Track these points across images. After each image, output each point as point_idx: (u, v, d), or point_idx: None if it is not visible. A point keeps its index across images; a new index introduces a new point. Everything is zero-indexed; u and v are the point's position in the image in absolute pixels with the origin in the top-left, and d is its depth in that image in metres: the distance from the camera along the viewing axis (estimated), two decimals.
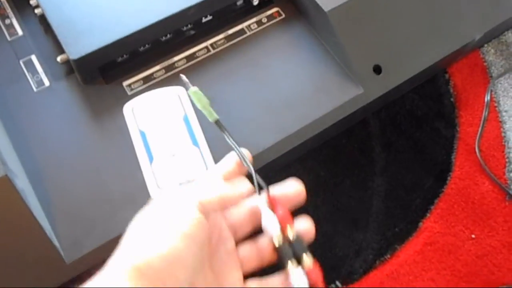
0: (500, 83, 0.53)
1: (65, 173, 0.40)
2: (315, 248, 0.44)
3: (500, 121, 0.51)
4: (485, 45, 0.55)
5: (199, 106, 0.34)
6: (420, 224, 0.46)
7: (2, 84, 0.44)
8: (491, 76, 0.53)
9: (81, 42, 0.42)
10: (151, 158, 0.39)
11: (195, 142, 0.40)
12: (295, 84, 0.46)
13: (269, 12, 0.50)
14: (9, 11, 0.48)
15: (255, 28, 0.49)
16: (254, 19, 0.49)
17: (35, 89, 0.44)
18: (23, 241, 0.36)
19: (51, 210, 0.38)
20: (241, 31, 0.49)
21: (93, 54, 0.42)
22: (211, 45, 0.48)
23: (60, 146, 0.42)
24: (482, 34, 0.51)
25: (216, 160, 0.40)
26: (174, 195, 0.27)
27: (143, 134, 0.41)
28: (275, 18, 0.50)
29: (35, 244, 0.37)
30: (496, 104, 0.52)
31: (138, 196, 0.39)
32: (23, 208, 0.36)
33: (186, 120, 0.41)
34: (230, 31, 0.48)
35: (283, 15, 0.50)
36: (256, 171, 0.33)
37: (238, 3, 0.48)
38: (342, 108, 0.45)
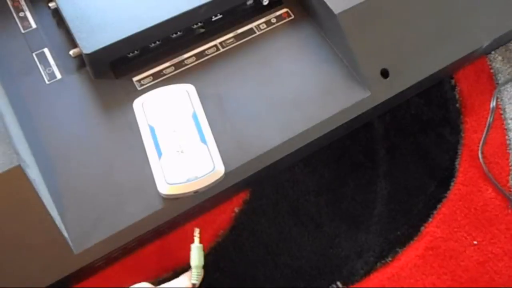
0: (507, 91, 0.53)
1: (75, 165, 0.41)
2: (317, 248, 0.44)
3: (505, 129, 0.51)
4: (492, 52, 0.55)
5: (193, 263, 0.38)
6: (422, 228, 0.46)
7: (15, 75, 0.45)
8: (498, 83, 0.53)
9: (94, 37, 0.43)
10: (159, 154, 0.40)
11: (203, 139, 0.41)
12: (302, 85, 0.46)
13: (278, 13, 0.50)
14: (23, 3, 0.49)
15: (264, 28, 0.49)
16: (263, 19, 0.50)
17: (47, 82, 0.45)
18: (33, 230, 0.37)
19: (61, 201, 0.39)
20: (250, 31, 0.49)
21: (105, 49, 0.43)
22: (221, 43, 0.48)
23: (70, 139, 0.42)
24: (490, 41, 0.51)
25: (223, 157, 0.41)
26: None
27: (152, 130, 0.41)
28: (284, 18, 0.50)
29: (45, 233, 0.37)
30: (501, 112, 0.52)
31: (146, 190, 0.40)
32: (34, 197, 0.37)
33: (194, 117, 0.42)
34: (240, 30, 0.49)
35: (292, 16, 0.50)
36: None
37: (248, 2, 0.49)
38: (349, 110, 0.46)
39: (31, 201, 0.38)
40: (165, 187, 0.39)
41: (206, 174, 0.39)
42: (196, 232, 0.39)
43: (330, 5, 0.45)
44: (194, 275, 0.38)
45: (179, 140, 0.41)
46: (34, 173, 0.39)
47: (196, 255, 0.39)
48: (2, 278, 0.37)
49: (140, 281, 0.42)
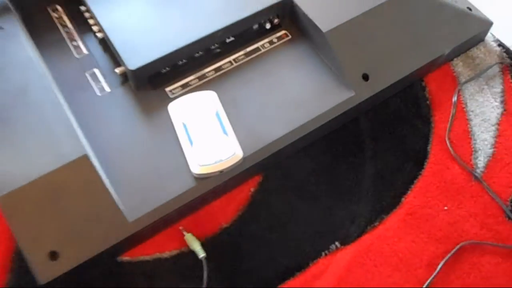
0: (467, 89, 0.64)
1: (125, 156, 0.52)
2: (318, 217, 0.55)
3: (467, 119, 0.62)
4: (455, 59, 0.67)
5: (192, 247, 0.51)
6: (403, 199, 0.56)
7: (74, 90, 0.57)
8: (459, 83, 0.65)
9: (136, 58, 0.55)
10: (191, 143, 0.51)
11: (224, 132, 0.52)
12: (300, 89, 0.58)
13: (278, 34, 0.63)
14: (76, 35, 0.61)
15: (268, 47, 0.62)
16: (267, 40, 0.62)
17: (98, 94, 0.57)
18: (96, 204, 0.48)
19: (116, 183, 0.50)
20: (257, 49, 0.61)
21: (145, 66, 0.55)
22: (234, 59, 0.60)
23: (120, 137, 0.54)
24: (451, 49, 0.63)
25: (240, 145, 0.52)
26: None
27: (185, 126, 0.53)
28: (284, 38, 0.62)
29: (105, 207, 0.48)
30: (463, 106, 0.63)
31: (181, 172, 0.51)
32: (97, 180, 0.48)
33: (217, 115, 0.53)
34: (248, 49, 0.61)
35: (290, 36, 0.62)
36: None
37: (254, 27, 0.61)
38: (338, 107, 0.57)
39: (94, 183, 0.48)
40: (197, 168, 0.50)
41: (228, 157, 0.50)
42: (184, 232, 0.52)
43: (319, 26, 0.57)
44: (200, 251, 0.51)
45: (206, 133, 0.52)
46: (94, 162, 0.50)
47: (194, 241, 0.51)
48: (73, 244, 0.47)
49: (177, 247, 0.52)
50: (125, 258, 0.52)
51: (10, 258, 0.51)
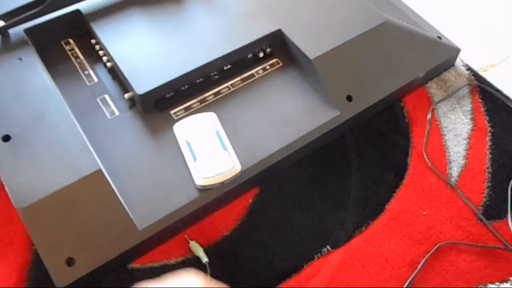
0: (440, 108, 0.72)
1: (134, 171, 0.57)
2: (311, 223, 0.60)
3: (442, 134, 0.69)
4: (429, 82, 0.75)
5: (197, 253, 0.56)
6: (386, 206, 0.62)
7: (86, 114, 0.62)
8: (434, 103, 0.72)
9: (144, 83, 0.61)
10: (195, 159, 0.57)
11: (224, 148, 0.58)
12: (291, 110, 0.65)
13: (271, 62, 0.70)
14: (87, 65, 0.68)
15: (261, 73, 0.68)
16: (260, 67, 0.69)
17: (109, 117, 0.63)
18: (110, 215, 0.53)
19: (127, 195, 0.55)
20: (252, 75, 0.68)
21: (151, 91, 0.61)
22: (231, 85, 0.67)
23: (129, 155, 0.59)
24: (424, 73, 0.71)
25: (239, 159, 0.58)
26: None
27: (188, 143, 0.58)
28: (275, 65, 0.69)
29: (118, 216, 0.53)
30: (438, 122, 0.70)
31: (186, 184, 0.56)
32: (110, 192, 0.53)
33: (217, 133, 0.59)
34: (244, 75, 0.68)
35: (281, 64, 0.69)
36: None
37: (249, 56, 0.68)
38: (325, 125, 0.63)
39: (107, 194, 0.54)
40: (200, 180, 0.56)
41: (228, 170, 0.56)
42: (189, 239, 0.57)
43: (307, 53, 0.65)
44: (204, 257, 0.55)
45: (208, 149, 0.58)
46: (106, 177, 0.55)
47: (198, 248, 0.56)
48: (89, 250, 0.52)
49: (183, 254, 0.57)
50: (135, 265, 0.56)
51: (27, 268, 0.56)
